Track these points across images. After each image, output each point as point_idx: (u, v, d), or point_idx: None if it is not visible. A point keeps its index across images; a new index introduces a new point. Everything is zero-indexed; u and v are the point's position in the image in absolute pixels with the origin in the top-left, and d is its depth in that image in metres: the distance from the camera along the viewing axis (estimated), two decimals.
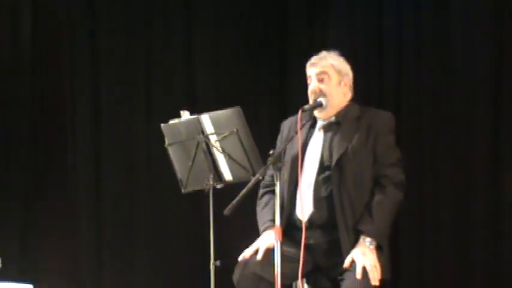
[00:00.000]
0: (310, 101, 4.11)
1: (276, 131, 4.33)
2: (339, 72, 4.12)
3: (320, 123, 4.15)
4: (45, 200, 5.81)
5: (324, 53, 4.17)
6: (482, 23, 5.64)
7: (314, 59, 4.16)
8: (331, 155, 4.02)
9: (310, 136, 4.14)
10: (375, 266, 3.85)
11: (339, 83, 4.12)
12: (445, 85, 5.74)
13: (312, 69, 4.13)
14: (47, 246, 5.77)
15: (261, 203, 4.22)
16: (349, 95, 4.17)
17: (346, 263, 3.89)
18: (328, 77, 4.10)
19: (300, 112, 3.97)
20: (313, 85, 4.11)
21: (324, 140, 4.09)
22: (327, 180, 4.00)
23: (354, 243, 3.93)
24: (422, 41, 5.83)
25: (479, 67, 5.63)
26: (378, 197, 3.98)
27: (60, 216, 5.84)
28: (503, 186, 5.52)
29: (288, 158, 4.08)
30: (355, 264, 3.86)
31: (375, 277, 3.84)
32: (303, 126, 4.01)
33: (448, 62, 5.74)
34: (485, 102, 5.62)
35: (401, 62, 5.93)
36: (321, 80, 4.10)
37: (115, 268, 6.00)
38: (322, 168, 4.03)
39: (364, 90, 5.59)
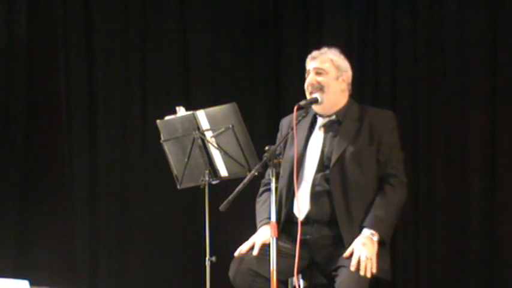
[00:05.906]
0: (307, 95, 4.09)
1: (271, 127, 4.34)
2: (338, 68, 4.11)
3: (320, 122, 4.14)
4: (41, 197, 5.82)
5: (324, 49, 4.16)
6: (476, 16, 5.65)
7: (314, 53, 4.15)
8: (331, 154, 4.02)
9: (311, 134, 4.13)
10: (370, 259, 3.79)
11: (337, 78, 4.10)
12: (440, 85, 5.76)
13: (311, 63, 4.12)
14: (42, 242, 5.78)
15: (260, 201, 4.22)
16: (347, 92, 4.15)
17: (347, 253, 3.85)
18: (326, 71, 4.09)
19: (295, 108, 3.96)
20: (310, 78, 4.10)
21: (325, 139, 4.09)
22: (325, 178, 4.00)
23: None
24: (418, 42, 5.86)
25: (474, 62, 5.66)
26: (386, 195, 3.97)
27: (56, 212, 5.86)
28: (498, 181, 5.55)
29: (287, 155, 4.09)
30: (351, 259, 3.86)
31: (367, 268, 3.76)
32: (298, 122, 4.01)
33: (443, 61, 5.76)
34: (480, 96, 5.64)
35: (396, 62, 5.95)
36: (319, 74, 4.08)
37: (110, 264, 6.01)
38: (322, 166, 4.03)
39: (359, 89, 5.60)
